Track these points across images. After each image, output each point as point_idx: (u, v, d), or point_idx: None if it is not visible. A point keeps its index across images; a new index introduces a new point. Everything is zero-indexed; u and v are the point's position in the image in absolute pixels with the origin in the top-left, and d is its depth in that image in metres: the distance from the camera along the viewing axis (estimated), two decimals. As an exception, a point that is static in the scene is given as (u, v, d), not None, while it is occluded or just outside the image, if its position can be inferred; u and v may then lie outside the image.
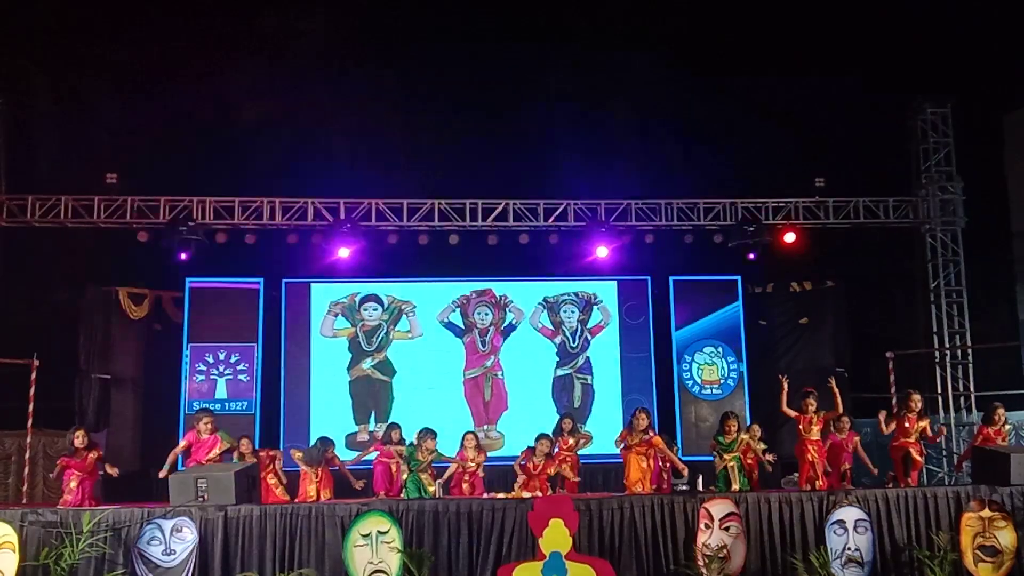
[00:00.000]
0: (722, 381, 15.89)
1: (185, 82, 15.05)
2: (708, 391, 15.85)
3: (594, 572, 9.39)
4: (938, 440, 12.73)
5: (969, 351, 15.73)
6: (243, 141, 15.03)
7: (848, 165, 15.68)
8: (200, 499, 9.46)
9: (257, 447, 13.01)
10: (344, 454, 13.94)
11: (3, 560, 9.10)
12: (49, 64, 14.99)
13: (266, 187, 15.20)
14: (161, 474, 10.82)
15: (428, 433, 11.28)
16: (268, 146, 14.97)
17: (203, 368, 15.30)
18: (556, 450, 12.04)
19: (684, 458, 13.17)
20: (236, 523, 9.34)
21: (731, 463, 11.22)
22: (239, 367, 15.33)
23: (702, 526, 9.64)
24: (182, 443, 11.58)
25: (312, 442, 12.68)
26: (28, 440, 13.92)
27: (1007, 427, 11.47)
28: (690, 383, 15.84)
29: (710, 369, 15.91)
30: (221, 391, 15.29)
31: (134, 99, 15.15)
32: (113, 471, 11.03)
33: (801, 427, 11.22)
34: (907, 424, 11.32)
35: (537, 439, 11.74)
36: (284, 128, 15.11)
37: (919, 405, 11.46)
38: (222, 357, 15.34)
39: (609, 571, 9.41)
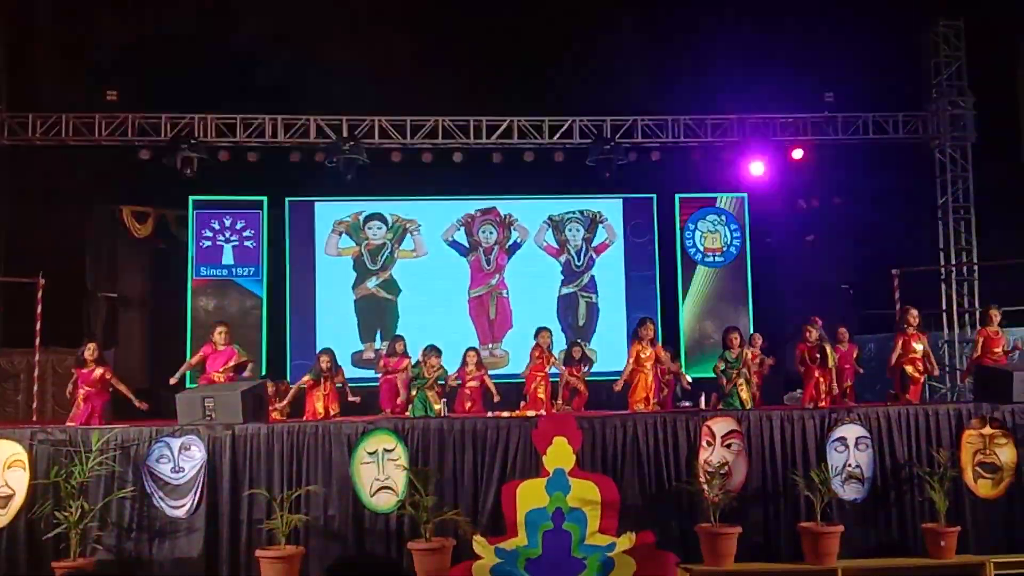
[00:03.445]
0: (724, 249, 16.08)
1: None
2: (710, 258, 16.09)
3: (597, 488, 9.50)
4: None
5: (975, 268, 15.68)
6: (244, 57, 14.79)
7: (858, 80, 15.40)
8: (208, 418, 9.54)
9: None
10: (350, 372, 14.07)
11: (14, 478, 9.23)
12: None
13: (268, 104, 15.04)
14: (172, 380, 11.24)
15: (432, 351, 11.34)
16: (270, 62, 14.73)
17: (209, 234, 15.46)
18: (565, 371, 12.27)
19: (689, 375, 13.36)
20: (244, 441, 9.43)
21: (740, 381, 11.21)
22: (245, 233, 15.50)
23: (704, 443, 9.70)
24: (198, 354, 11.72)
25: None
26: (36, 358, 14.00)
27: (1009, 337, 11.52)
28: (692, 251, 16.01)
29: (713, 236, 16.06)
30: (228, 256, 15.46)
31: (134, 15, 14.90)
32: (142, 405, 11.21)
33: (806, 355, 11.27)
34: (908, 340, 11.33)
35: (537, 333, 12.05)
36: (286, 44, 14.85)
37: (917, 320, 11.46)
38: (228, 223, 15.50)
39: (612, 487, 9.52)
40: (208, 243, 15.42)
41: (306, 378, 11.52)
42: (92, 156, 15.10)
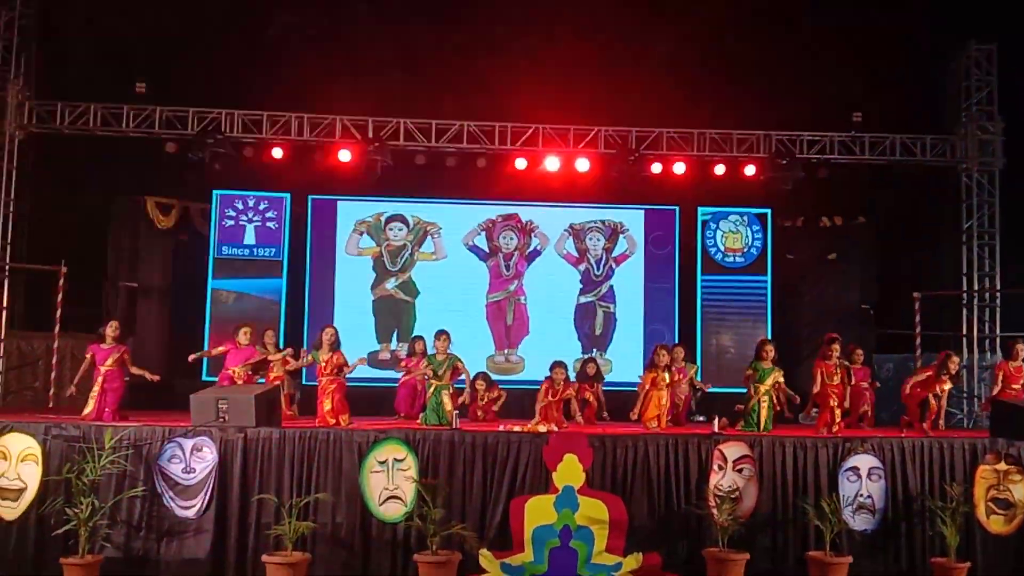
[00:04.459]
0: (745, 250, 15.96)
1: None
2: (731, 259, 15.99)
3: (605, 508, 9.52)
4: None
5: (997, 295, 15.55)
6: (273, 54, 14.82)
7: (887, 100, 15.27)
8: (221, 420, 9.60)
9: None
10: (365, 371, 14.08)
11: (27, 471, 9.34)
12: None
13: (295, 102, 15.07)
14: (191, 358, 11.66)
15: (440, 332, 11.20)
16: (298, 60, 14.74)
17: (232, 213, 15.57)
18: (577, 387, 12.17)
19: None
20: (255, 445, 9.51)
21: (763, 398, 10.88)
22: (268, 214, 15.59)
23: (715, 467, 9.71)
24: (221, 347, 11.82)
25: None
26: (56, 344, 14.09)
27: None
28: (713, 250, 15.96)
29: (734, 237, 15.98)
30: (250, 236, 15.56)
31: (165, 7, 14.93)
32: (154, 377, 11.06)
33: (824, 373, 11.10)
34: (938, 382, 11.25)
35: (552, 368, 11.78)
36: (315, 42, 14.86)
37: (956, 368, 11.44)
38: (251, 204, 15.61)
39: (620, 507, 9.54)
40: (231, 222, 15.52)
41: (309, 357, 11.35)
42: (118, 146, 15.17)
